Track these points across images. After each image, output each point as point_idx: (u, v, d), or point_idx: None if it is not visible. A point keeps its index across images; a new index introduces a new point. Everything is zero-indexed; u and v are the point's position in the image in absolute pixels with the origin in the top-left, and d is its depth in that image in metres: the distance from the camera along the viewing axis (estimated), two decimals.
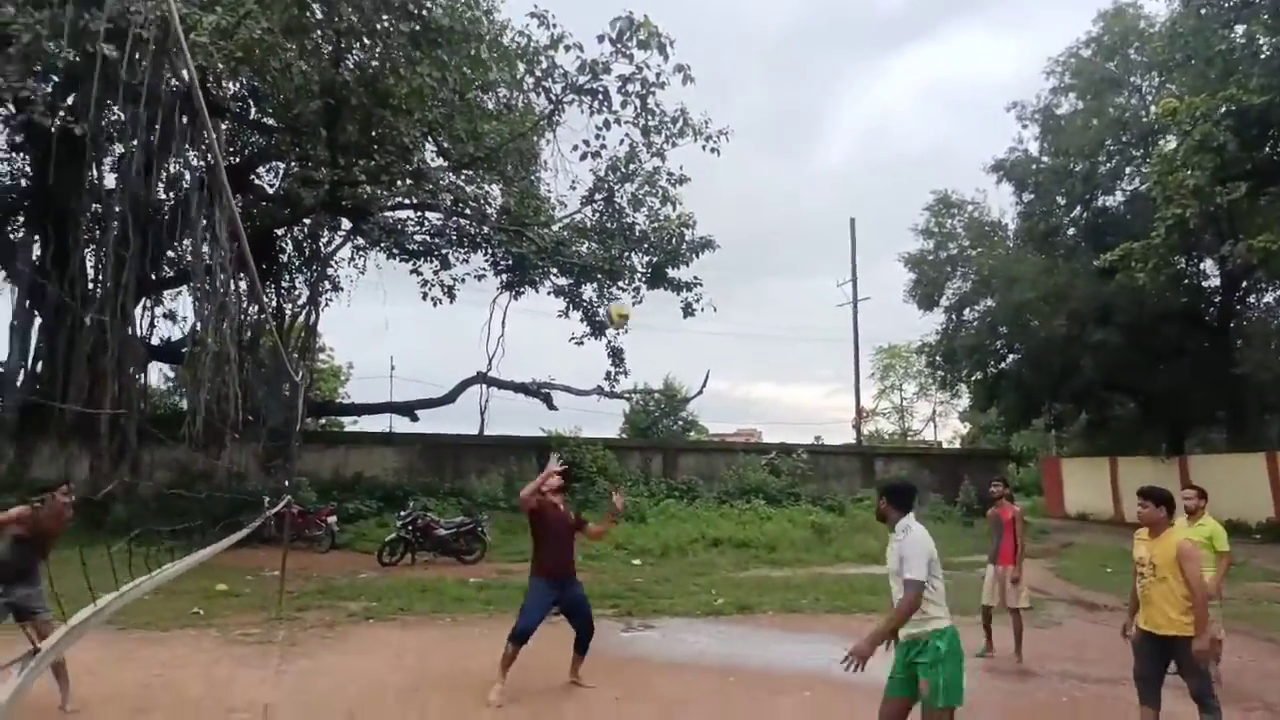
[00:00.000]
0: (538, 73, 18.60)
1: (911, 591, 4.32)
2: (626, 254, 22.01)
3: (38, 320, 18.72)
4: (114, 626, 9.09)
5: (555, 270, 22.22)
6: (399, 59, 15.46)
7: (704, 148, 19.55)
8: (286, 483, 16.69)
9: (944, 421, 58.85)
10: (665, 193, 21.23)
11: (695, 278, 22.78)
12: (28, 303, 18.60)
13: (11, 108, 17.87)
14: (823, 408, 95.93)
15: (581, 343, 24.08)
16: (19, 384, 18.57)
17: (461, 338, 76.04)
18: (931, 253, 30.16)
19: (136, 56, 14.19)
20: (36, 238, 18.99)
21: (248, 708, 6.49)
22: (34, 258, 18.63)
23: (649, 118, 19.09)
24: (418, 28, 15.14)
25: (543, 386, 24.57)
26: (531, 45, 18.35)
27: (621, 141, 19.92)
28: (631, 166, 20.50)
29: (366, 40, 16.23)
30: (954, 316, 30.09)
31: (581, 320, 23.73)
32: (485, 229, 21.52)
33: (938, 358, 31.05)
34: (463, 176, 20.39)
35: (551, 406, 24.65)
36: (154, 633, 9.18)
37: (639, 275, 22.57)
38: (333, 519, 17.51)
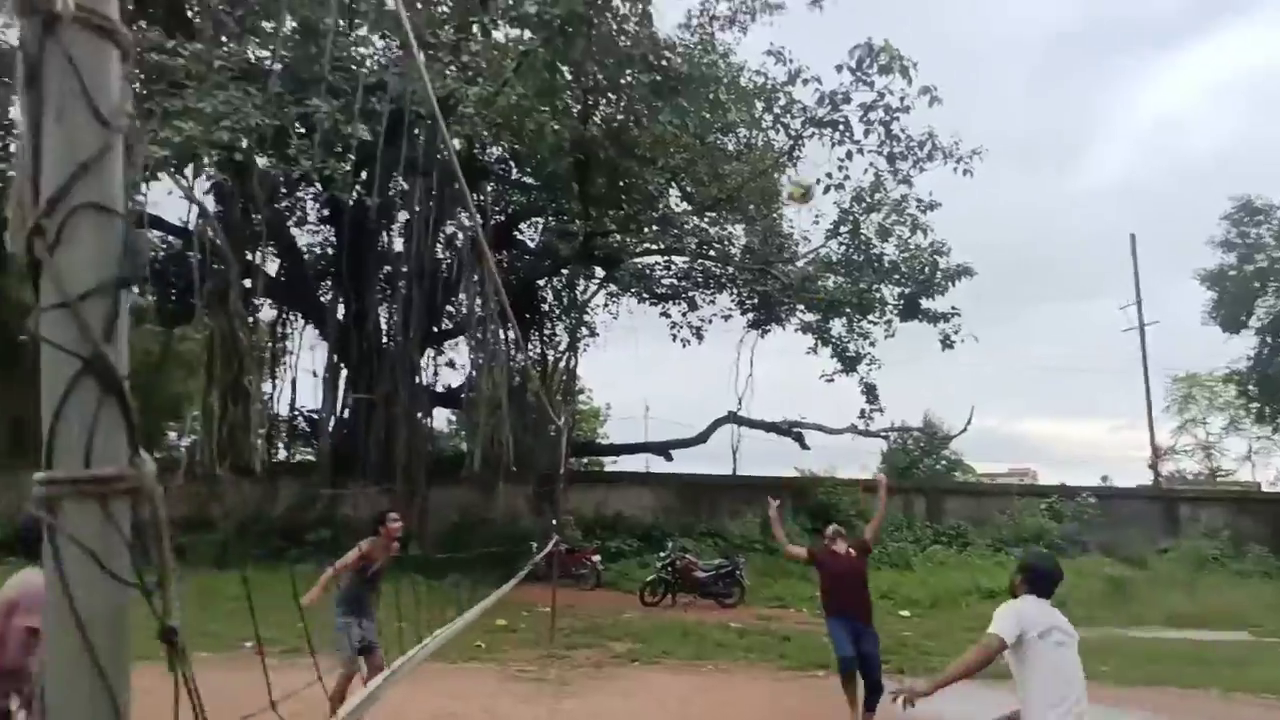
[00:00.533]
0: (776, 110, 18.52)
1: (981, 644, 4.00)
2: (876, 286, 21.19)
3: (344, 373, 21.17)
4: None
5: (802, 307, 21.85)
6: (641, 110, 16.04)
7: (955, 170, 18.49)
8: (555, 522, 17.59)
9: (1263, 459, 50.92)
10: (915, 220, 20.26)
11: (953, 308, 21.45)
12: (335, 357, 21.11)
13: (319, 186, 20.62)
14: (1108, 445, 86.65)
15: (832, 379, 23.41)
16: (330, 430, 21.06)
17: (711, 377, 77.05)
18: (1235, 267, 26.27)
19: (416, 132, 15.80)
20: (341, 299, 21.55)
21: None
22: (339, 317, 21.12)
23: (893, 144, 18.35)
24: (658, 78, 15.61)
25: (794, 425, 24.13)
26: (769, 83, 18.35)
27: (865, 171, 19.30)
28: (877, 195, 19.79)
29: (611, 95, 17.00)
30: (1269, 338, 25.96)
31: (832, 356, 23.08)
32: (730, 269, 21.66)
33: (1251, 386, 26.93)
34: (706, 219, 20.72)
35: (804, 446, 24.14)
36: (442, 664, 9.82)
37: (891, 308, 21.63)
38: (597, 558, 18.11)
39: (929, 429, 34.96)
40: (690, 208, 20.27)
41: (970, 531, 21.98)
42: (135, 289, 0.85)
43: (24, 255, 0.81)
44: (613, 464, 29.24)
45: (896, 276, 21.17)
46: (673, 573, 16.10)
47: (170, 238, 22.56)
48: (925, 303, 21.29)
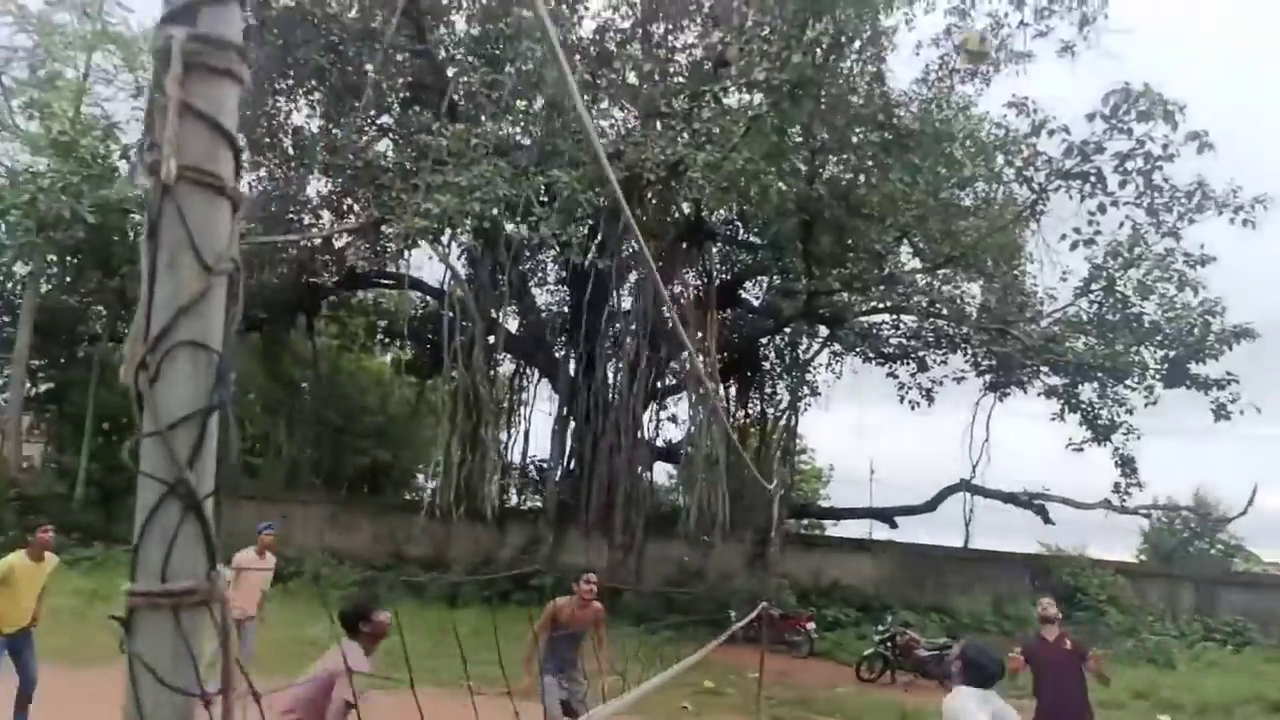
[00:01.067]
0: (1018, 163, 17.48)
1: None
2: (1134, 348, 19.19)
3: (571, 425, 22.19)
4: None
5: (1046, 369, 20.21)
6: (870, 168, 15.76)
7: (1233, 221, 16.46)
8: (765, 584, 17.26)
9: None
10: (1182, 276, 18.19)
11: (1228, 374, 18.91)
12: (565, 410, 22.18)
13: (556, 249, 22.00)
14: None
15: (1081, 449, 21.34)
16: (557, 479, 22.09)
17: (942, 442, 72.80)
18: None
19: (648, 196, 16.52)
20: (573, 355, 22.69)
21: None
22: (570, 372, 22.24)
23: (1155, 195, 16.66)
24: (888, 136, 15.30)
25: (1035, 497, 22.19)
26: (1010, 135, 17.40)
27: (1121, 224, 17.64)
28: (1136, 250, 17.97)
29: (838, 154, 16.86)
30: None
31: (1081, 424, 21.09)
32: (964, 329, 20.51)
33: None
34: (939, 277, 19.83)
35: (1047, 520, 22.10)
36: None
37: (1152, 372, 19.47)
38: (811, 625, 17.52)
39: (1200, 508, 30.75)
40: (921, 265, 19.53)
41: (1251, 630, 19.03)
42: (226, 411, 0.95)
43: (132, 388, 0.92)
44: (833, 528, 28.30)
45: (1159, 338, 19.06)
46: (892, 648, 15.21)
47: (427, 298, 24.95)
48: (1194, 368, 18.96)
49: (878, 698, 13.00)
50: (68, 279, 22.04)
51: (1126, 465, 20.81)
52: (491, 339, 20.39)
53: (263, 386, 25.06)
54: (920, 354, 22.68)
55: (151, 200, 0.92)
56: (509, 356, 25.13)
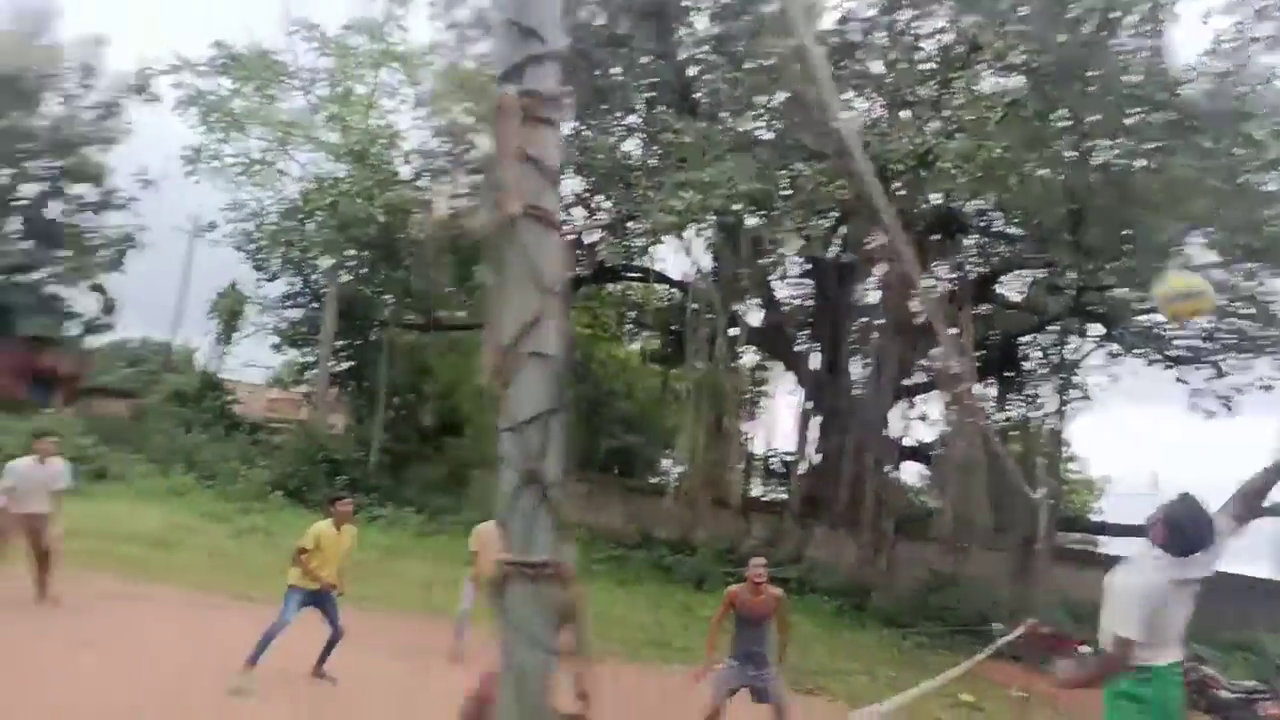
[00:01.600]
0: None
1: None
2: None
3: (816, 420, 21.90)
4: None
5: None
6: (1150, 153, 14.13)
7: None
8: (1031, 599, 16.10)
9: None
10: None
11: None
12: (810, 404, 21.93)
13: (801, 242, 21.78)
14: None
15: None
16: (800, 474, 21.93)
17: (1246, 455, 63.81)
18: None
19: (894, 188, 15.94)
20: (815, 349, 22.38)
21: None
22: (814, 366, 21.95)
23: None
24: (1172, 116, 13.66)
25: None
26: None
27: None
28: None
29: (1111, 140, 15.28)
30: None
31: None
32: (1272, 330, 17.91)
33: None
34: (1239, 272, 17.42)
35: None
36: None
37: None
38: (1086, 648, 16.06)
39: None
40: (1218, 259, 17.25)
41: None
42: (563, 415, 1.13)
43: (492, 389, 1.11)
44: (1111, 545, 25.74)
45: None
46: (1188, 686, 13.48)
47: (672, 290, 25.66)
48: None
49: None
50: (362, 271, 24.97)
51: None
52: (734, 331, 20.59)
53: None
54: (1216, 358, 20.06)
55: (497, 233, 1.10)
56: (751, 349, 25.28)
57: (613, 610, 14.15)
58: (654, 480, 30.16)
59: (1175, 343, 20.53)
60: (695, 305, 19.94)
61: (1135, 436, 52.28)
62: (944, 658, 15.33)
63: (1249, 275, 17.64)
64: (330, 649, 7.68)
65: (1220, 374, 20.14)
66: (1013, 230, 19.70)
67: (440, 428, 28.92)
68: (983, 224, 20.18)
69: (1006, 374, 21.99)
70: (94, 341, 26.72)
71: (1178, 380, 20.80)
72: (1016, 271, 21.52)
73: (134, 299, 29.77)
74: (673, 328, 25.47)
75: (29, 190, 22.30)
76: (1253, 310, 17.87)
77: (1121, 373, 22.23)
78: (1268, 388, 19.47)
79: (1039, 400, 22.88)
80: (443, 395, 29.75)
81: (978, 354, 19.36)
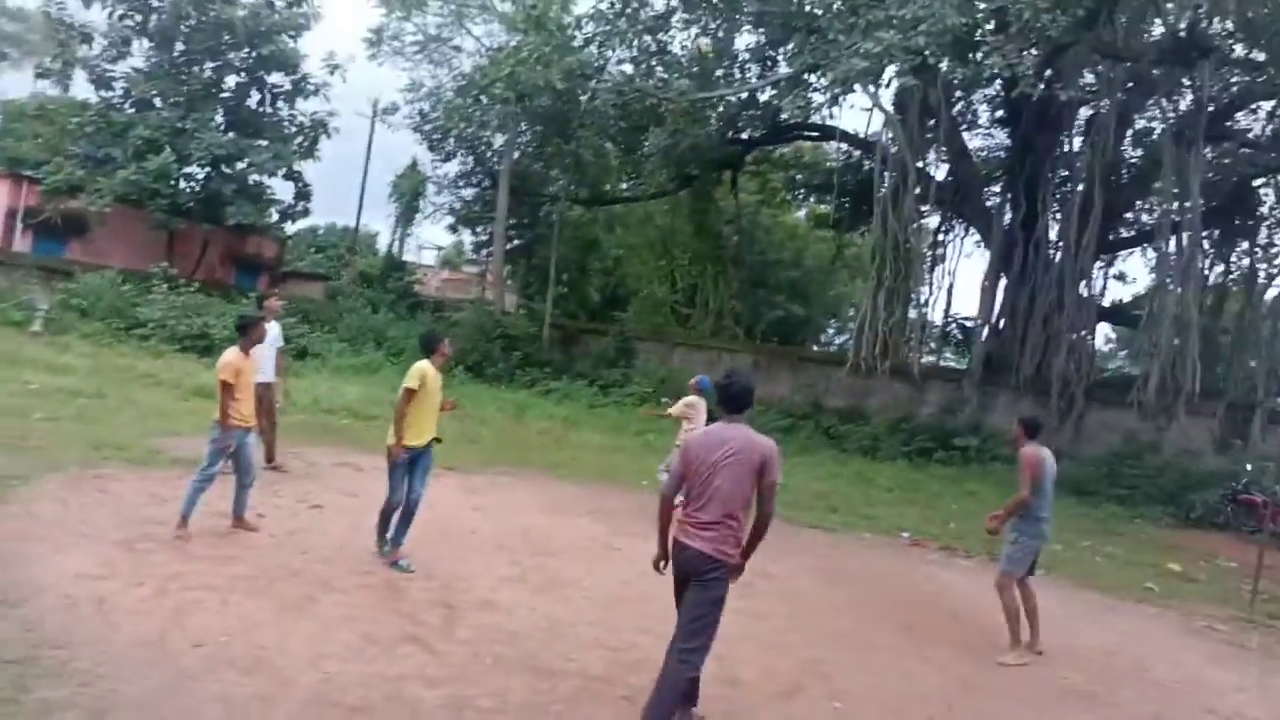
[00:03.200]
0: None
1: None
2: None
3: (1003, 281, 20.47)
4: (1070, 583, 9.39)
5: None
6: None
7: None
8: (1249, 466, 14.82)
9: None
10: None
11: None
12: (997, 264, 20.47)
13: (996, 86, 19.77)
14: None
15: None
16: (984, 338, 20.73)
17: None
18: None
19: (1119, 17, 14.00)
20: (1010, 204, 20.65)
21: (1228, 712, 5.84)
22: (1005, 223, 20.33)
23: None
24: None
25: None
26: None
27: None
28: None
29: None
30: None
31: None
32: None
33: None
34: None
35: None
36: (1106, 598, 9.09)
37: None
38: None
39: None
40: None
41: None
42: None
43: None
44: None
45: None
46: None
47: (848, 149, 24.20)
48: None
49: None
50: (533, 147, 24.89)
51: None
52: (919, 189, 19.27)
53: (690, 241, 26.56)
54: None
55: None
56: (935, 207, 23.72)
57: (790, 480, 14.00)
58: (821, 349, 29.54)
59: None
60: (879, 162, 18.67)
61: None
62: (1137, 527, 14.51)
63: None
64: (408, 520, 6.73)
65: None
66: (1258, 56, 16.95)
67: (607, 302, 29.27)
68: (1226, 50, 17.50)
69: (1235, 221, 19.57)
70: (290, 227, 28.25)
71: None
72: (1257, 104, 18.74)
73: (321, 184, 31.18)
74: (847, 189, 24.19)
75: (230, 81, 23.26)
76: None
77: None
78: None
79: (1272, 250, 20.33)
80: (609, 271, 29.96)
81: (1206, 200, 17.20)
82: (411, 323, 23.19)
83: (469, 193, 28.41)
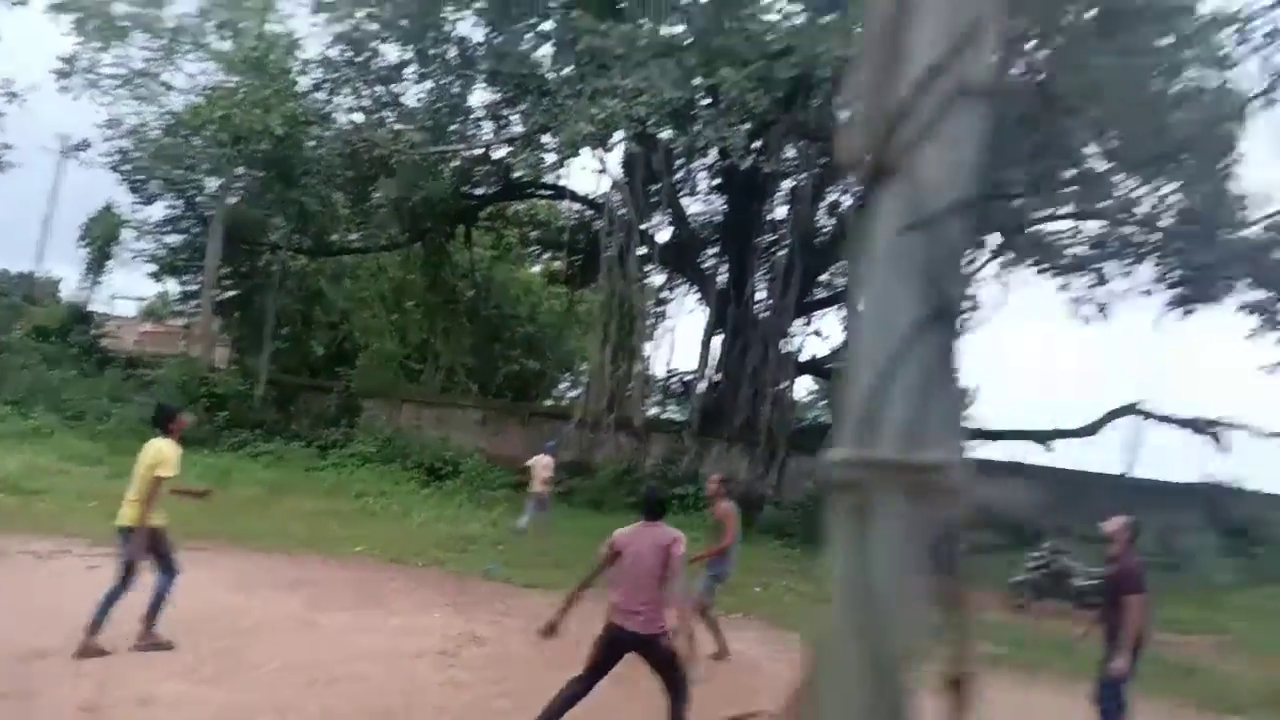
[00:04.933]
0: (1254, 41, 15.27)
1: None
2: None
3: (718, 337, 21.90)
4: (765, 623, 9.92)
5: (1250, 280, 18.25)
6: (1076, 53, 14.13)
7: None
8: None
9: None
10: None
11: None
12: (713, 321, 21.90)
13: (714, 154, 21.35)
14: None
15: (1275, 371, 19.41)
16: (701, 391, 22.00)
17: (1114, 362, 68.24)
18: None
19: (815, 99, 15.66)
20: (722, 266, 22.23)
21: None
22: (721, 283, 21.83)
23: None
24: (1102, 14, 13.68)
25: (1213, 424, 20.39)
26: (1244, 9, 15.16)
27: None
28: None
29: (1038, 40, 15.26)
30: None
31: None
32: (1157, 236, 18.68)
33: None
34: (1135, 178, 17.95)
35: (1223, 449, 20.31)
36: (796, 635, 9.68)
37: None
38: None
39: None
40: (1115, 164, 17.64)
41: None
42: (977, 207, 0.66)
43: (873, 159, 0.65)
44: (983, 449, 27.08)
45: None
46: (1046, 576, 14.51)
47: (579, 208, 24.96)
48: None
49: (1029, 626, 12.44)
50: (252, 191, 23.23)
51: None
52: (644, 249, 20.23)
53: (423, 295, 25.98)
54: (1100, 265, 20.82)
55: None
56: (658, 267, 25.03)
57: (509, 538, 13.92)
58: (549, 404, 29.89)
59: (1068, 251, 21.11)
60: (606, 222, 19.40)
61: (1012, 343, 55.10)
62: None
63: (1145, 180, 18.17)
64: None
65: (1102, 281, 20.96)
66: None
67: (332, 357, 27.75)
68: None
69: None
70: None
71: (1060, 289, 21.53)
72: None
73: None
74: (579, 247, 24.89)
75: None
76: (1140, 216, 18.55)
77: (1012, 282, 22.89)
78: (1148, 293, 20.41)
79: None
80: (335, 324, 28.48)
81: None
82: (98, 380, 20.57)
83: (175, 239, 25.86)
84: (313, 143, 19.61)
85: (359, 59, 19.14)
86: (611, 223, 19.13)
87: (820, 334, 24.96)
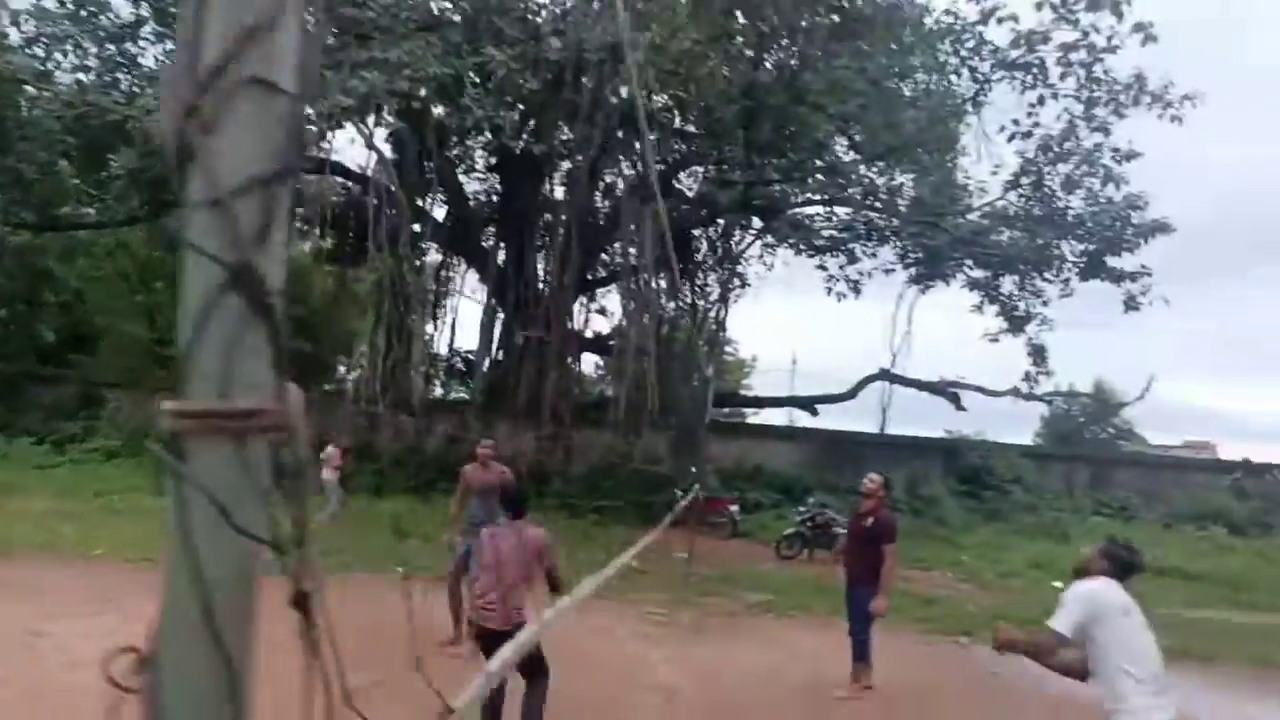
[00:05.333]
0: (963, 52, 17.35)
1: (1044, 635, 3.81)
2: (1056, 242, 19.75)
3: (500, 316, 21.88)
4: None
5: (971, 262, 20.67)
6: (817, 55, 15.36)
7: (1161, 117, 16.82)
8: (694, 470, 17.65)
9: None
10: (1108, 171, 18.64)
11: (1142, 266, 19.70)
12: (493, 301, 21.83)
13: (488, 134, 21.11)
14: None
15: (997, 340, 22.20)
16: (484, 370, 21.92)
17: (865, 333, 74.96)
18: None
19: (584, 79, 15.88)
20: (502, 245, 22.15)
21: (654, 688, 6.78)
22: (500, 262, 21.76)
23: (1093, 88, 16.87)
24: (837, 19, 14.92)
25: (950, 385, 23.10)
26: (958, 23, 17.17)
27: (1058, 117, 17.88)
28: (1067, 144, 18.30)
29: (786, 40, 16.37)
30: None
31: (998, 315, 21.86)
32: (895, 221, 20.71)
33: None
34: (875, 168, 19.82)
35: (959, 407, 23.09)
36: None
37: (1070, 265, 20.15)
38: (735, 508, 18.09)
39: (1099, 395, 32.62)
40: (858, 157, 19.42)
41: (1137, 505, 20.54)
42: (294, 178, 0.76)
43: (174, 142, 0.74)
44: (756, 416, 29.08)
45: (1080, 232, 19.68)
46: (811, 528, 15.90)
47: (349, 184, 23.87)
48: (1111, 261, 19.68)
49: (796, 574, 13.62)
50: None
51: (1037, 355, 21.74)
52: (418, 227, 19.74)
53: (174, 274, 23.88)
54: (850, 246, 22.82)
55: None
56: (435, 246, 24.50)
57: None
58: (328, 388, 28.59)
59: (823, 233, 22.95)
60: (376, 200, 18.70)
61: (780, 319, 59.06)
62: (621, 532, 16.61)
63: (883, 171, 20.09)
64: None
65: (852, 260, 23.00)
66: (691, 128, 20.50)
67: (66, 343, 24.93)
68: (665, 120, 20.83)
69: (680, 265, 23.39)
70: None
71: (818, 267, 23.44)
72: (692, 168, 22.67)
73: None
74: (351, 225, 23.82)
75: None
76: (880, 204, 20.47)
77: (775, 261, 24.62)
78: (889, 271, 22.62)
79: (707, 289, 24.74)
80: (67, 306, 25.58)
81: (658, 247, 20.30)
82: None
83: None
84: (27, 104, 17.42)
85: (83, 12, 17.19)
86: (380, 200, 18.51)
87: (605, 312, 25.55)
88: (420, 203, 19.95)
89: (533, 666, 5.11)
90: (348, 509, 14.67)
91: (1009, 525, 19.17)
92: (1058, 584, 14.80)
